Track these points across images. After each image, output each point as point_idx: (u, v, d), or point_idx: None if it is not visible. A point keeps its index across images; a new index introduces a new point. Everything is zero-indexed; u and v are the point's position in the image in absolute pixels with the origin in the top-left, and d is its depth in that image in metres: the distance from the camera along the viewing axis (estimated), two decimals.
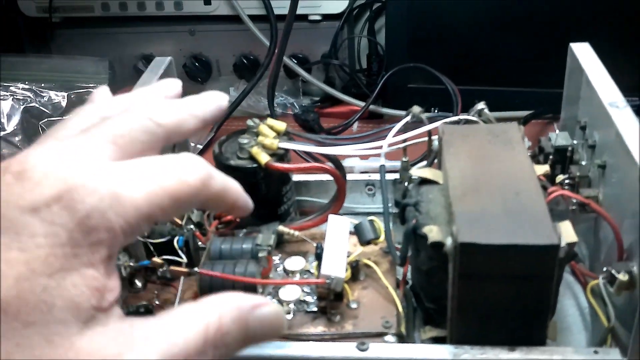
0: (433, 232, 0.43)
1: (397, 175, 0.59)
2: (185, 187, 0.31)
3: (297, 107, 0.89)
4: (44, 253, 0.27)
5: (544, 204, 0.43)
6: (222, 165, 0.56)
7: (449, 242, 0.41)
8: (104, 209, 0.28)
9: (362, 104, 0.84)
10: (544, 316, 0.43)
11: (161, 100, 0.37)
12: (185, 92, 0.64)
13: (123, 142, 0.31)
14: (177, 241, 0.51)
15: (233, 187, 0.36)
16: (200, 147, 0.81)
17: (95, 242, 0.28)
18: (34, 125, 0.84)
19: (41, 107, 0.85)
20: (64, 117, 0.85)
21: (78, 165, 0.29)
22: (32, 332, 0.26)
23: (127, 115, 0.33)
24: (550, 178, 0.51)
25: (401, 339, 0.46)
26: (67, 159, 0.29)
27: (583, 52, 0.56)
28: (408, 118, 0.56)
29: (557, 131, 0.57)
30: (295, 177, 0.61)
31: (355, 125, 0.84)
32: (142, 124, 0.33)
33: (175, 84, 0.40)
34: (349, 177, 0.59)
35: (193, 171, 0.32)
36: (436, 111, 0.61)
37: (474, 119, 0.54)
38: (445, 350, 0.43)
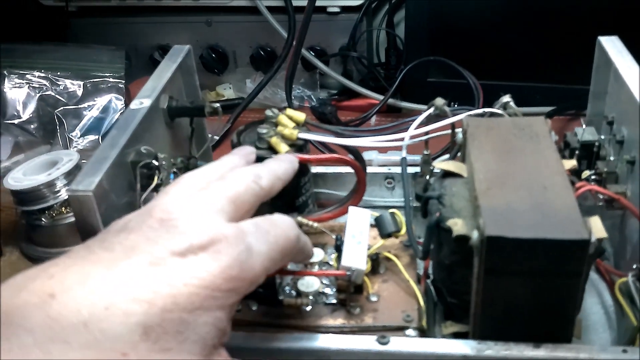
0: (458, 226, 0.42)
1: (416, 169, 0.58)
2: (288, 243, 0.38)
3: (314, 100, 0.88)
4: (188, 291, 0.31)
5: (573, 198, 0.42)
6: None
7: (474, 235, 0.40)
8: (242, 260, 0.34)
9: (380, 97, 0.83)
10: (571, 313, 0.41)
11: (258, 166, 0.43)
12: (202, 83, 0.64)
13: (240, 202, 0.37)
14: None
15: (308, 241, 0.43)
16: (217, 138, 0.80)
17: (232, 288, 0.33)
18: (49, 114, 0.84)
19: (57, 96, 0.84)
20: (79, 106, 0.84)
21: (217, 220, 0.35)
22: (166, 358, 0.30)
23: (239, 177, 0.39)
24: (576, 174, 0.50)
25: (422, 333, 0.45)
26: (205, 213, 0.35)
27: (612, 45, 0.54)
28: (431, 110, 0.55)
29: (584, 126, 0.55)
30: (313, 169, 0.61)
31: (373, 119, 0.83)
32: (251, 187, 0.39)
33: (253, 151, 0.49)
34: (368, 170, 0.58)
35: (292, 229, 0.39)
36: (456, 106, 0.60)
37: (499, 112, 0.53)
38: (468, 345, 0.42)
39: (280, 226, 0.38)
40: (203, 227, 0.34)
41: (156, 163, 0.48)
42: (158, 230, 0.33)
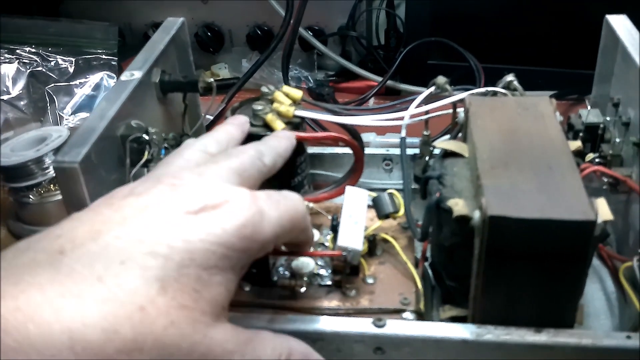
0: (459, 206, 0.41)
1: (415, 151, 0.57)
2: (297, 215, 0.38)
3: (312, 80, 0.87)
4: (204, 248, 0.31)
5: (579, 178, 0.40)
6: None
7: (476, 215, 0.39)
8: (256, 221, 0.33)
9: (379, 79, 0.82)
10: (574, 298, 0.40)
11: (259, 144, 0.43)
12: (197, 63, 0.62)
13: (246, 175, 0.37)
14: None
15: (310, 224, 0.42)
16: (211, 117, 0.79)
17: (245, 248, 0.33)
18: (39, 90, 0.82)
19: (48, 72, 0.82)
20: (70, 83, 0.82)
21: (227, 185, 0.35)
22: (182, 315, 0.30)
23: (244, 153, 0.39)
24: (580, 156, 0.48)
25: (420, 316, 0.44)
26: (216, 180, 0.35)
27: (620, 24, 0.53)
28: (432, 89, 0.53)
29: (589, 108, 0.54)
30: (310, 150, 0.59)
31: (372, 101, 0.81)
32: (256, 163, 0.39)
33: (247, 120, 0.49)
34: (366, 151, 0.57)
35: (301, 203, 0.39)
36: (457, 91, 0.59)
37: (503, 91, 0.51)
38: (467, 329, 0.40)
39: (291, 198, 0.38)
40: (217, 189, 0.34)
41: (147, 137, 0.46)
42: (170, 193, 0.33)
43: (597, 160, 0.51)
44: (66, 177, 0.39)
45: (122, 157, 0.46)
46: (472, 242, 0.40)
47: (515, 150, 0.43)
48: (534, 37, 0.81)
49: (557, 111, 0.48)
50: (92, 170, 0.41)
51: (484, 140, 0.44)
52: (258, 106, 0.53)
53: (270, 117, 0.52)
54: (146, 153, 0.46)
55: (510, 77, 0.52)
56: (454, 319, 0.43)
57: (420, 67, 0.83)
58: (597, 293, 0.49)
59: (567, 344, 0.40)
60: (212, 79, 0.54)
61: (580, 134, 0.53)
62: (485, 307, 0.41)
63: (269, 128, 0.52)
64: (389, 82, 0.82)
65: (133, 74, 0.48)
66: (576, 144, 0.46)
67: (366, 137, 0.70)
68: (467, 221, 0.40)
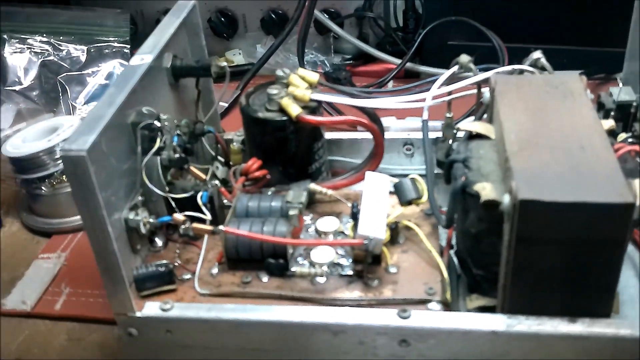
0: (486, 190, 0.38)
1: (438, 135, 0.54)
2: None
3: (328, 65, 0.84)
4: None
5: (615, 159, 0.38)
6: (249, 117, 0.52)
7: (506, 200, 0.37)
8: None
9: (398, 61, 0.79)
10: (611, 286, 0.38)
11: None
12: (210, 49, 0.60)
13: None
14: (201, 197, 0.47)
15: None
16: (226, 105, 0.77)
17: None
18: (51, 80, 0.80)
19: (60, 61, 0.81)
20: (83, 72, 0.81)
21: None
22: None
23: None
24: (612, 136, 0.46)
25: (446, 307, 0.41)
26: None
27: None
28: (455, 68, 0.51)
29: (620, 85, 0.51)
30: (327, 135, 0.57)
31: (390, 84, 0.78)
32: None
33: None
34: (386, 135, 0.54)
35: None
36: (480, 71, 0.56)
37: (530, 69, 0.49)
38: (498, 320, 0.39)
39: None
40: None
41: (158, 124, 0.45)
42: None
43: (630, 140, 0.49)
44: (74, 166, 0.37)
45: (133, 145, 0.44)
46: (501, 228, 0.38)
47: (545, 130, 0.41)
48: (559, 14, 0.78)
49: (587, 89, 0.45)
50: (101, 159, 0.39)
51: (512, 121, 0.42)
52: (273, 90, 0.51)
53: (285, 102, 0.50)
54: (158, 140, 0.45)
55: (537, 55, 0.49)
56: (482, 309, 0.41)
57: (440, 48, 0.80)
58: (631, 280, 0.47)
59: (604, 335, 0.37)
60: (225, 63, 0.52)
61: (612, 113, 0.51)
62: (515, 296, 0.39)
63: (284, 113, 0.50)
64: (408, 65, 0.79)
65: (143, 58, 0.47)
66: (609, 124, 0.44)
67: (386, 121, 0.67)
68: (496, 206, 0.37)
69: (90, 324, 0.52)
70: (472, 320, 0.39)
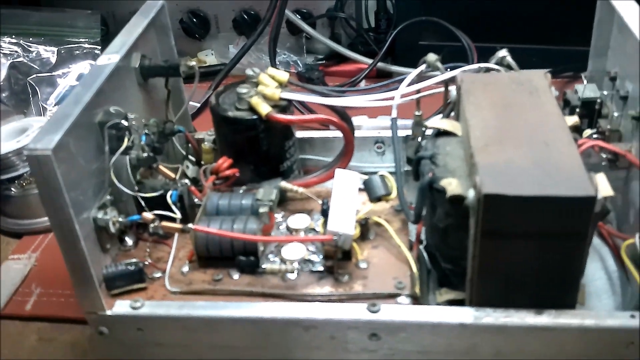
0: (452, 185, 0.39)
1: (407, 133, 0.55)
2: None
3: (301, 65, 0.85)
4: None
5: (577, 154, 0.39)
6: (219, 117, 0.52)
7: (470, 194, 0.37)
8: None
9: (370, 61, 0.80)
10: (575, 278, 0.39)
11: None
12: (182, 50, 0.60)
13: None
14: (171, 196, 0.46)
15: None
16: (198, 105, 0.77)
17: None
18: (21, 82, 0.79)
19: (29, 63, 0.80)
20: (53, 74, 0.80)
21: None
22: None
23: None
24: (577, 132, 0.47)
25: (415, 300, 0.42)
26: None
27: None
28: (422, 67, 0.52)
29: (585, 82, 0.52)
30: (299, 134, 0.57)
31: (363, 84, 0.79)
32: None
33: None
34: (357, 134, 0.55)
35: None
36: (448, 70, 0.57)
37: (496, 67, 0.49)
38: (466, 313, 0.39)
39: None
40: None
41: (126, 123, 0.44)
42: None
43: (594, 136, 0.50)
44: (39, 165, 0.37)
45: (101, 144, 0.44)
46: (467, 223, 0.38)
47: (510, 126, 0.41)
48: (527, 15, 0.79)
49: (552, 86, 0.46)
50: (68, 159, 0.39)
51: (477, 118, 0.43)
52: (243, 89, 0.51)
53: (255, 100, 0.50)
54: (126, 140, 0.44)
55: (503, 53, 0.50)
56: (451, 303, 0.42)
57: (411, 48, 0.81)
58: (597, 272, 0.48)
59: (569, 325, 0.38)
60: (194, 63, 0.52)
61: (577, 110, 0.51)
62: (483, 290, 0.39)
63: (254, 112, 0.50)
64: (380, 65, 0.80)
65: (110, 58, 0.46)
66: (573, 120, 0.44)
67: (357, 120, 0.68)
68: (461, 201, 0.38)
69: (61, 323, 0.52)
70: (441, 313, 0.39)
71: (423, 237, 0.46)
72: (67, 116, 0.40)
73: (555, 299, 0.39)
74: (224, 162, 0.51)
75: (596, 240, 0.50)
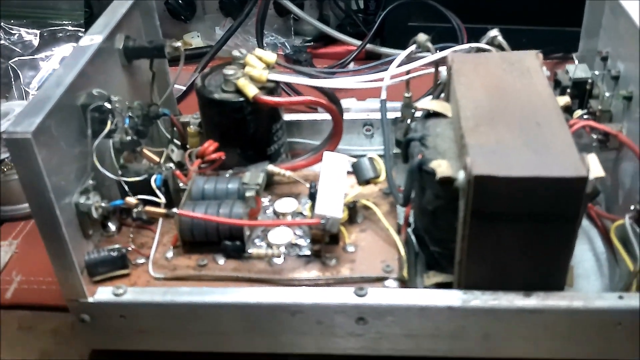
0: (442, 167, 0.38)
1: (397, 115, 0.54)
2: None
3: (288, 47, 0.83)
4: None
5: (569, 134, 0.38)
6: (205, 99, 0.51)
7: (460, 176, 0.37)
8: None
9: (359, 43, 0.79)
10: (565, 259, 0.38)
11: None
12: (168, 32, 0.59)
13: None
14: (155, 180, 0.46)
15: None
16: (184, 87, 0.75)
17: None
18: (3, 65, 0.78)
19: (11, 46, 0.78)
20: (35, 57, 0.79)
21: None
22: None
23: None
24: (568, 112, 0.46)
25: (403, 284, 0.41)
26: None
27: None
28: (412, 48, 0.51)
29: (576, 63, 0.51)
30: (287, 117, 0.56)
31: (351, 66, 0.78)
32: None
33: None
34: (346, 116, 0.54)
35: None
36: (438, 50, 0.56)
37: (487, 47, 0.49)
38: (454, 295, 0.39)
39: None
40: None
41: (109, 106, 0.43)
42: None
43: (585, 117, 0.49)
44: (19, 149, 0.36)
45: (84, 128, 0.43)
46: (457, 205, 0.38)
47: (501, 106, 0.41)
48: None
49: (543, 66, 0.46)
50: (49, 142, 0.38)
51: (468, 98, 0.42)
52: (229, 71, 0.50)
53: (242, 82, 0.49)
54: (109, 123, 0.43)
55: (494, 32, 0.49)
56: (439, 286, 0.41)
57: (401, 30, 0.80)
58: (586, 254, 0.48)
59: (557, 307, 0.38)
60: (179, 44, 0.51)
61: (568, 90, 0.51)
62: (472, 272, 0.39)
63: (241, 94, 0.49)
64: (369, 46, 0.79)
65: (92, 39, 0.45)
66: (564, 100, 0.44)
67: (346, 102, 0.67)
68: (451, 182, 0.37)
69: (42, 311, 0.51)
70: (428, 296, 0.39)
71: (412, 220, 0.46)
72: (48, 99, 0.38)
73: (544, 280, 0.39)
74: (210, 145, 0.50)
75: (585, 222, 0.49)
